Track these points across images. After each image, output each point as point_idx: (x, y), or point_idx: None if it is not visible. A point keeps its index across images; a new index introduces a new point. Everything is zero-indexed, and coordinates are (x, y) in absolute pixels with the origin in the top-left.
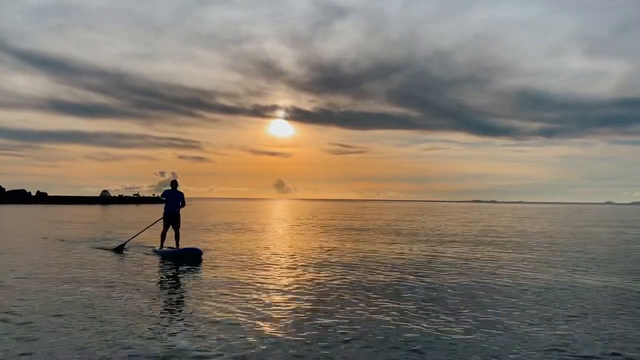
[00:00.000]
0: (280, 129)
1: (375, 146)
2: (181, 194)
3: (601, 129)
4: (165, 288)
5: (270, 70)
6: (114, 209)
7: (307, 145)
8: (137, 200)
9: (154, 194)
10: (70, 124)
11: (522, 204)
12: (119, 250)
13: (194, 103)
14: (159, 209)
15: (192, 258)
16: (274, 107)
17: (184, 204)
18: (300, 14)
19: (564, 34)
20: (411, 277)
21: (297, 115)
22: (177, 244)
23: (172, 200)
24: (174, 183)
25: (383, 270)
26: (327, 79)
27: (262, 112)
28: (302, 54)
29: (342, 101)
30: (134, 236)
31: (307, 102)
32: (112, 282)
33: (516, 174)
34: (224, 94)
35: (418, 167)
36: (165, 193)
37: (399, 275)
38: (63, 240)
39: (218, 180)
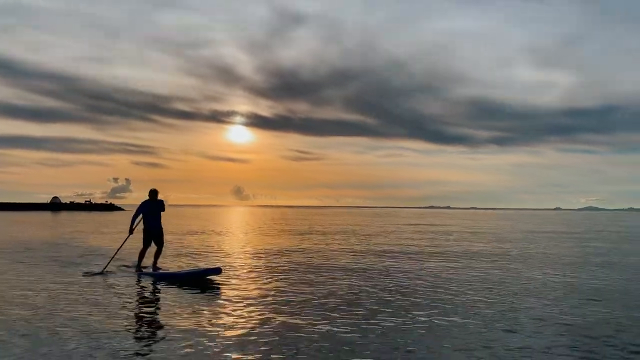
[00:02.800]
0: (238, 135)
1: (333, 153)
2: (161, 203)
3: (550, 137)
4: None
5: (228, 76)
6: (65, 215)
7: (266, 151)
8: (89, 207)
9: (106, 201)
10: (20, 129)
11: (476, 210)
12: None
13: (149, 108)
14: (113, 217)
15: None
16: (232, 113)
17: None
18: (258, 21)
19: (515, 45)
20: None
21: (256, 122)
22: (156, 262)
23: (152, 213)
24: (154, 193)
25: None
26: (285, 85)
27: (219, 117)
28: (260, 60)
29: (301, 108)
30: (111, 258)
31: (265, 108)
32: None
33: (470, 180)
34: (180, 98)
35: (375, 174)
36: (144, 205)
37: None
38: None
39: (174, 187)
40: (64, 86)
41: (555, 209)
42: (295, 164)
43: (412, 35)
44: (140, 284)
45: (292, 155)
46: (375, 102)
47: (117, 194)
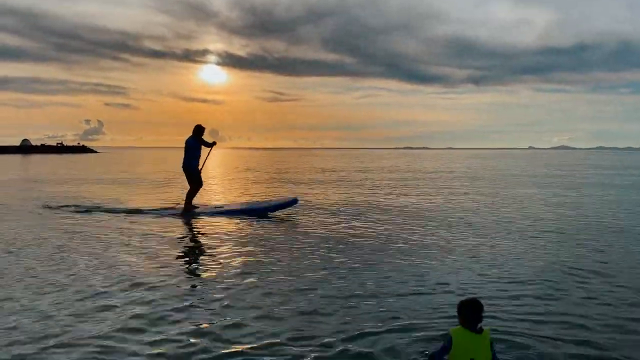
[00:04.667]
0: (212, 75)
1: (310, 94)
2: (195, 140)
3: (526, 76)
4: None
5: (200, 12)
6: (37, 158)
7: (240, 92)
8: (60, 149)
9: (78, 143)
10: None
11: (451, 150)
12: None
13: (118, 46)
14: (86, 158)
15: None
16: (205, 52)
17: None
18: None
19: None
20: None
21: (230, 61)
22: (186, 202)
23: (188, 150)
24: (194, 129)
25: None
26: (260, 23)
27: (192, 56)
28: None
29: (276, 47)
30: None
31: (240, 47)
32: None
33: (446, 120)
34: (150, 36)
35: (351, 115)
36: (186, 141)
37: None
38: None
39: (147, 129)
40: (26, 23)
41: (528, 148)
42: (270, 105)
43: None
44: (219, 222)
45: (268, 96)
46: (352, 41)
47: (90, 136)
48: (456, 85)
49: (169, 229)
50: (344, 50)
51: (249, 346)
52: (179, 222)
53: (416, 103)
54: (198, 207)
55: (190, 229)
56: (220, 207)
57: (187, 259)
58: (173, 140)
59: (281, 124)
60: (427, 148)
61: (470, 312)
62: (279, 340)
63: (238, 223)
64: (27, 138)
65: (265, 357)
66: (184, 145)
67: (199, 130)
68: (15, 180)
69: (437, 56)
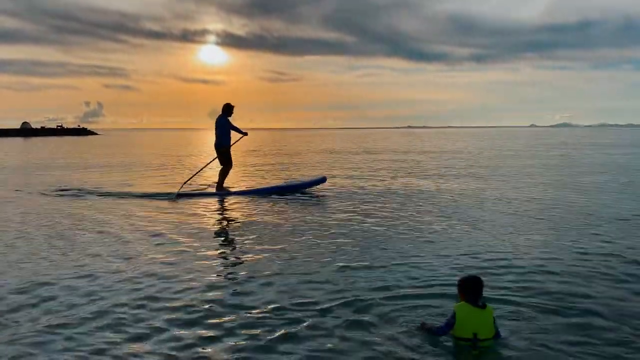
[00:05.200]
0: (212, 56)
1: (311, 74)
2: (222, 118)
3: (527, 54)
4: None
5: None
6: (38, 141)
7: (240, 72)
8: (60, 132)
9: (79, 125)
10: None
11: (452, 129)
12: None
13: (116, 27)
14: (87, 140)
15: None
16: (204, 32)
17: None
18: None
19: None
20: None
21: (229, 41)
22: (218, 182)
23: (216, 129)
24: (224, 106)
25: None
26: (259, 1)
27: (191, 37)
28: None
29: (276, 26)
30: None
31: (239, 27)
32: None
33: (448, 99)
34: (149, 17)
35: (353, 94)
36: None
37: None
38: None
39: (149, 110)
40: (24, 5)
41: (530, 126)
42: (271, 86)
43: None
44: (261, 202)
45: (268, 76)
46: (353, 19)
47: (90, 119)
48: (458, 64)
49: (203, 209)
50: (344, 29)
51: (256, 310)
52: (213, 200)
53: (417, 81)
54: (231, 188)
55: (224, 208)
56: (252, 187)
57: (220, 233)
58: (177, 123)
59: (283, 105)
60: (427, 127)
61: (471, 288)
62: (282, 305)
63: (270, 202)
64: (27, 121)
65: (267, 320)
66: (214, 124)
67: (228, 108)
68: (20, 165)
69: (438, 34)
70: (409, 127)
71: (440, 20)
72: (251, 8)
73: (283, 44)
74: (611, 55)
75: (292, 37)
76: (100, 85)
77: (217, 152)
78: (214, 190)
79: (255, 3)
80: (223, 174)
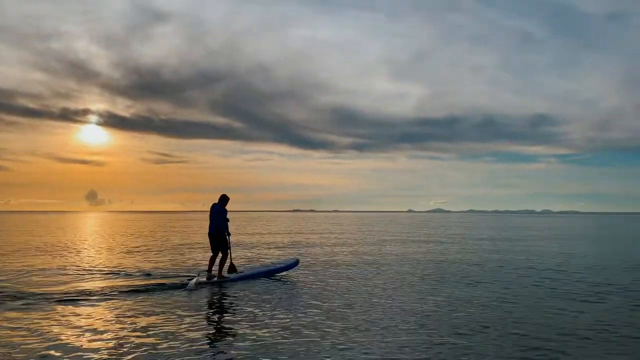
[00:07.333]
0: (93, 136)
1: (198, 156)
2: (218, 207)
3: (403, 144)
4: None
5: (80, 71)
6: None
7: (123, 153)
8: None
9: None
10: None
11: (338, 213)
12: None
13: None
14: None
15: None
16: (86, 112)
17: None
18: (114, 14)
19: (373, 57)
20: None
21: (113, 121)
22: (219, 270)
23: (212, 217)
24: (220, 197)
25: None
26: (146, 84)
27: (71, 116)
28: (117, 56)
29: (163, 108)
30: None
31: (123, 108)
32: None
33: (333, 184)
34: (25, 94)
35: (242, 178)
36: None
37: None
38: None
39: (17, 192)
40: None
41: (408, 211)
42: (156, 167)
43: (276, 40)
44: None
45: (153, 157)
46: (242, 106)
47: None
48: (341, 151)
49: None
50: (233, 115)
51: None
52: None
53: (304, 167)
54: (230, 275)
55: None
56: (242, 272)
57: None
58: (49, 205)
59: (167, 187)
60: (314, 211)
61: None
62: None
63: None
64: None
65: None
66: (209, 211)
67: (224, 198)
68: None
69: (323, 123)
70: (297, 210)
71: (324, 110)
72: (137, 90)
73: (170, 126)
74: (475, 147)
75: (179, 120)
76: None
77: (211, 239)
78: (215, 278)
79: (142, 86)
80: (223, 261)
